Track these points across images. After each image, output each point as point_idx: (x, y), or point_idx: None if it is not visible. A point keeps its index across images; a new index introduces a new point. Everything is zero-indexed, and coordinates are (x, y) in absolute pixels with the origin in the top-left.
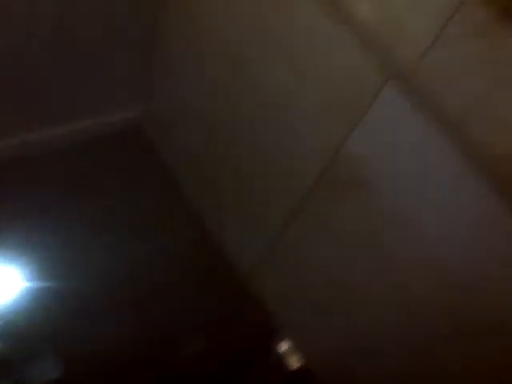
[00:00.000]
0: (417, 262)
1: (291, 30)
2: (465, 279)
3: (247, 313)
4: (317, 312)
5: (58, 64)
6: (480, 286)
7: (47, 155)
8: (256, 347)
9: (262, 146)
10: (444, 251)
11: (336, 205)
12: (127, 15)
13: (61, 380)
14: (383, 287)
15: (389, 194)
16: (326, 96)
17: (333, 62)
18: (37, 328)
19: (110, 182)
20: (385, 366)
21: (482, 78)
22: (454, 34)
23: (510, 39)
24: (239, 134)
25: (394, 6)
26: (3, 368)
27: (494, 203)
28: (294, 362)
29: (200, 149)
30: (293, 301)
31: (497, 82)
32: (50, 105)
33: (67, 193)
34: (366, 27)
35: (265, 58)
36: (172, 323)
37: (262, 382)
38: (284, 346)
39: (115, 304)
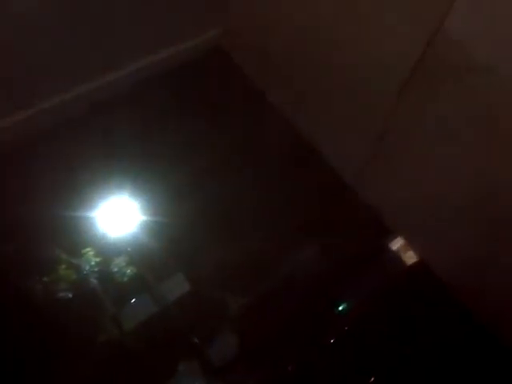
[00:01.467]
0: None
1: None
2: None
3: (359, 217)
4: (428, 207)
5: None
6: None
7: (147, 82)
8: (370, 247)
9: (351, 47)
10: None
11: (437, 96)
12: None
13: (193, 292)
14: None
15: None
16: None
17: None
18: (163, 252)
19: (201, 104)
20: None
21: None
22: None
23: None
24: (322, 37)
25: None
26: (140, 289)
27: None
28: (409, 259)
29: (286, 62)
30: (400, 199)
31: None
32: (132, 37)
33: (168, 118)
34: None
35: None
36: (287, 236)
37: (378, 279)
38: (397, 244)
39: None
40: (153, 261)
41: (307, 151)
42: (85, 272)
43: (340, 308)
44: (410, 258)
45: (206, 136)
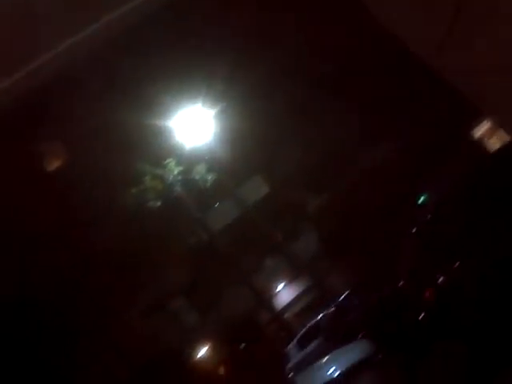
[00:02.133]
0: None
1: None
2: None
3: (442, 102)
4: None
5: None
6: None
7: None
8: (453, 134)
9: None
10: None
11: None
12: None
13: (272, 193)
14: None
15: None
16: None
17: None
18: (240, 157)
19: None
20: None
21: None
22: None
23: None
24: None
25: None
26: (222, 194)
27: None
28: (497, 141)
29: None
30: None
31: None
32: None
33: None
34: None
35: None
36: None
37: (462, 166)
38: (483, 128)
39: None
40: (231, 166)
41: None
42: (169, 181)
43: (421, 199)
44: (496, 142)
45: (282, 37)
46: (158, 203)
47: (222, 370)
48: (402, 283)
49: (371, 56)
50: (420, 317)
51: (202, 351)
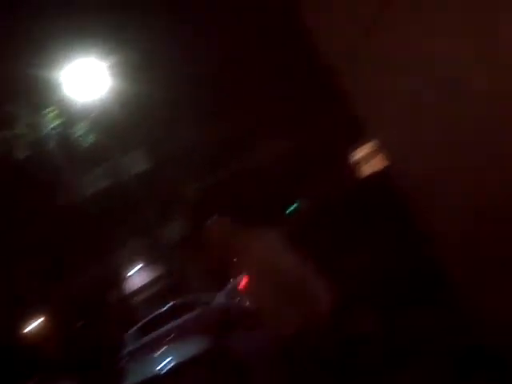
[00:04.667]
0: None
1: None
2: None
3: (334, 110)
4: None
5: None
6: None
7: None
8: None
9: None
10: None
11: None
12: None
13: (153, 170)
14: None
15: None
16: None
17: None
18: (128, 124)
19: None
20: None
21: None
22: None
23: None
24: None
25: None
26: (101, 158)
27: None
28: (377, 163)
29: None
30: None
31: None
32: None
33: None
34: None
35: None
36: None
37: (344, 179)
38: (368, 148)
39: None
40: (117, 132)
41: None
42: (44, 132)
43: (293, 206)
44: (373, 166)
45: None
46: (25, 153)
47: (51, 346)
48: None
49: (278, 56)
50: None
51: (37, 322)
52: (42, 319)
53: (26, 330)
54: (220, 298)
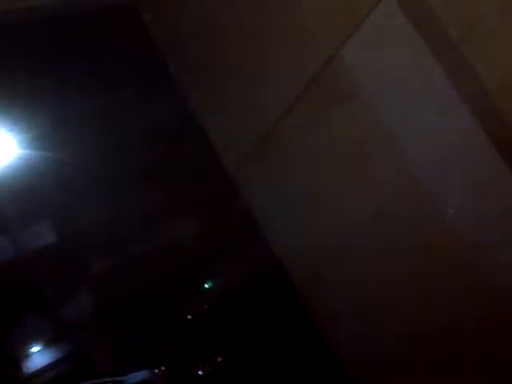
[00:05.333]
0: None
1: None
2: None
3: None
4: (292, 212)
5: None
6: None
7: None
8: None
9: (254, 45)
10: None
11: (323, 115)
12: None
13: (57, 245)
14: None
15: (376, 107)
16: (326, 3)
17: None
18: (33, 195)
19: (98, 49)
20: (355, 269)
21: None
22: None
23: None
24: (232, 26)
25: None
26: (1, 229)
27: (477, 133)
28: (271, 256)
29: (189, 35)
30: (275, 201)
31: None
32: None
33: (57, 57)
34: None
35: None
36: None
37: (244, 269)
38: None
39: (104, 181)
40: (20, 202)
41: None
42: None
43: (206, 286)
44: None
45: (91, 82)
46: None
47: None
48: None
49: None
50: None
51: None
52: None
53: None
54: (131, 380)
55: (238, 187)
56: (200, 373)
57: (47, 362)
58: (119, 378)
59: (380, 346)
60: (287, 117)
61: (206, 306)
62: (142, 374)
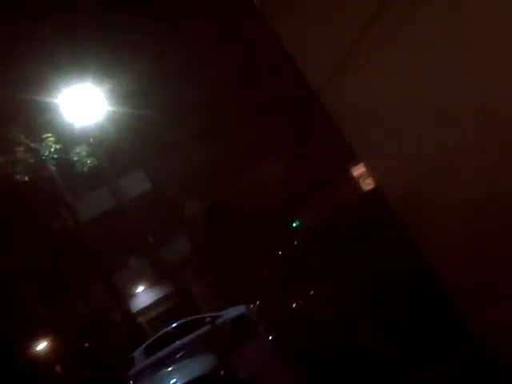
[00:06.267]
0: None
1: None
2: None
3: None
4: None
5: None
6: None
7: None
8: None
9: None
10: None
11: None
12: None
13: (152, 191)
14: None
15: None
16: None
17: None
18: (126, 146)
19: None
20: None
21: None
22: None
23: None
24: None
25: None
26: (100, 181)
27: None
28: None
29: None
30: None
31: None
32: None
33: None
34: None
35: None
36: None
37: (337, 201)
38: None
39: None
40: (116, 155)
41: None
42: (43, 157)
43: (295, 224)
44: (369, 184)
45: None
46: (26, 177)
47: (58, 368)
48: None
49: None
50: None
51: (43, 343)
52: (47, 341)
53: (33, 351)
54: (228, 315)
55: (327, 104)
56: (293, 306)
57: (151, 301)
58: (217, 314)
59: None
60: (367, 31)
61: (296, 242)
62: (237, 309)
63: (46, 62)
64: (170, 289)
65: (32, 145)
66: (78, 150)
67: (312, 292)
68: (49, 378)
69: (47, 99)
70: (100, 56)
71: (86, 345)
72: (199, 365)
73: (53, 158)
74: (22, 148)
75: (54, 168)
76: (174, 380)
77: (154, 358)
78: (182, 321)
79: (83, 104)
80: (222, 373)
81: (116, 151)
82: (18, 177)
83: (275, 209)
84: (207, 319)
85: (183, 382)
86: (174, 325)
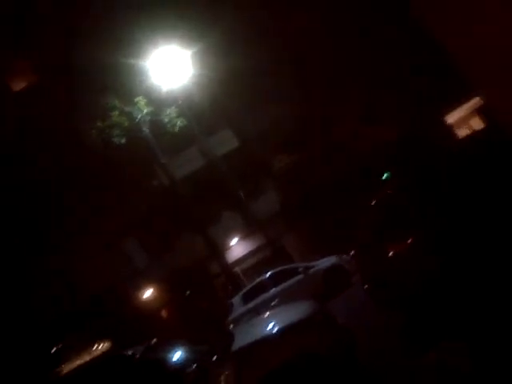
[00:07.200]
0: None
1: None
2: None
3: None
4: None
5: None
6: None
7: None
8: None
9: None
10: None
11: None
12: None
13: (240, 149)
14: None
15: None
16: None
17: None
18: (214, 106)
19: None
20: None
21: None
22: None
23: None
24: None
25: None
26: (190, 141)
27: None
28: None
29: None
30: None
31: None
32: None
33: None
34: None
35: None
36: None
37: (434, 145)
38: (458, 115)
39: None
40: (203, 115)
41: None
42: (137, 120)
43: (385, 175)
44: (465, 130)
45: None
46: (123, 140)
47: (164, 313)
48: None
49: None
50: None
51: (147, 293)
52: (151, 290)
53: (140, 300)
54: (322, 264)
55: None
56: (390, 254)
57: (246, 252)
58: (311, 263)
59: None
60: None
61: (389, 192)
62: (331, 259)
63: (135, 25)
64: (262, 241)
65: (126, 108)
66: (168, 112)
67: (410, 240)
68: (156, 322)
69: (136, 62)
70: (186, 19)
71: (187, 292)
72: (297, 310)
73: (145, 121)
74: (116, 112)
75: (147, 130)
76: (270, 325)
77: (251, 304)
78: (275, 270)
79: (170, 66)
80: (321, 318)
81: (203, 112)
82: (116, 139)
83: (363, 164)
84: (300, 269)
85: (282, 325)
86: (268, 274)
